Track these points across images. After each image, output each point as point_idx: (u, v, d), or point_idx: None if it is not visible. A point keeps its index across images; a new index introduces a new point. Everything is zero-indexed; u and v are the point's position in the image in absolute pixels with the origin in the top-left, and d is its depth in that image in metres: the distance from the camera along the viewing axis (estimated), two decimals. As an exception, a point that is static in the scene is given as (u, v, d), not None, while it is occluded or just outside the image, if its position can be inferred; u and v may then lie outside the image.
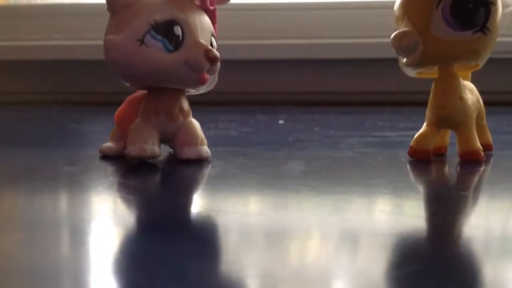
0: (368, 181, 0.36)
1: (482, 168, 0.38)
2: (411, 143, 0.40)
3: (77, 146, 0.51)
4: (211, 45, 0.40)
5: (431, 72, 0.40)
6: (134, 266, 0.21)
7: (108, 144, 0.43)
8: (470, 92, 0.40)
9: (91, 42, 0.81)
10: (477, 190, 0.35)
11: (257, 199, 0.33)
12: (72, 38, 0.86)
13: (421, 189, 0.35)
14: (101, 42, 0.40)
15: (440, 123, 0.40)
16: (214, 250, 0.24)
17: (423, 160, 0.40)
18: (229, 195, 0.33)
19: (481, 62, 0.39)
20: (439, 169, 0.39)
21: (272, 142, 0.50)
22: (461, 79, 0.39)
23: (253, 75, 0.86)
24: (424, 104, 0.40)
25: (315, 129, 0.59)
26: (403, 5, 0.38)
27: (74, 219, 0.28)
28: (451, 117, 0.39)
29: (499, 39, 0.38)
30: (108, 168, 0.40)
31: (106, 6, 0.39)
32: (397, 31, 0.38)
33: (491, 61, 0.39)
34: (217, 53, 0.39)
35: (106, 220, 0.28)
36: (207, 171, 0.39)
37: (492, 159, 0.41)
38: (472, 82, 0.42)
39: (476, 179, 0.37)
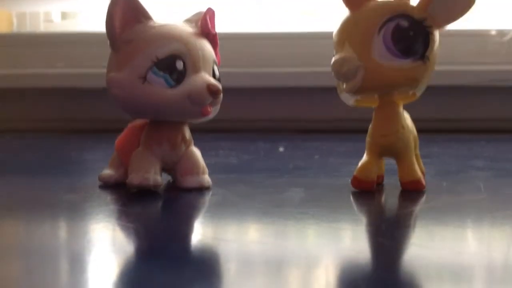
0: (368, 208, 0.36)
1: (424, 197, 0.38)
2: (355, 173, 0.39)
3: (78, 174, 0.51)
4: (213, 73, 0.40)
5: (369, 101, 0.40)
6: (134, 295, 0.21)
7: (108, 172, 0.43)
8: (408, 121, 0.40)
9: (92, 70, 0.82)
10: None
11: (257, 227, 0.33)
12: (74, 66, 0.87)
13: (425, 216, 0.35)
14: (102, 70, 0.40)
15: (383, 152, 0.39)
16: (215, 278, 0.24)
17: (367, 190, 0.39)
18: (230, 223, 0.33)
19: (419, 91, 0.39)
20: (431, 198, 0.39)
21: (272, 170, 0.50)
22: (401, 108, 0.39)
23: (253, 102, 0.86)
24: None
25: (315, 156, 0.59)
26: (344, 31, 0.38)
27: (74, 247, 0.28)
28: (394, 146, 0.38)
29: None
30: (109, 196, 0.40)
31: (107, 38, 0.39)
32: (337, 56, 0.37)
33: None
34: (219, 86, 0.39)
35: (106, 248, 0.29)
36: (208, 198, 0.39)
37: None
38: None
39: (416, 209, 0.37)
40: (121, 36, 0.38)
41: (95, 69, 0.74)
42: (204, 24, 0.40)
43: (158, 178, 0.39)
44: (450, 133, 0.79)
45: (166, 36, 0.38)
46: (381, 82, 0.37)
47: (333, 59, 0.37)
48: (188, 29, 0.40)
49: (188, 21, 0.41)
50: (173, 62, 0.38)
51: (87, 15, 0.99)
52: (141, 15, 0.39)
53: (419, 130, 0.41)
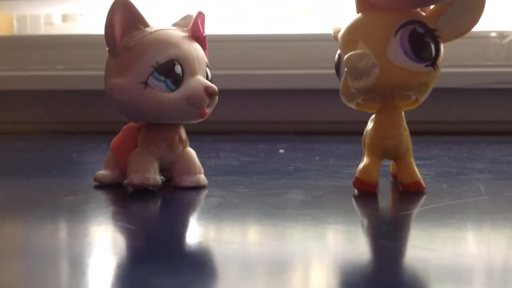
0: (368, 210, 0.36)
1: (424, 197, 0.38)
2: (358, 175, 0.39)
3: (78, 176, 0.51)
4: (207, 75, 0.41)
5: (370, 106, 0.40)
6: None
7: (104, 172, 0.43)
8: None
9: (92, 72, 0.82)
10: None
11: (257, 229, 0.33)
12: (74, 69, 0.87)
13: (426, 218, 0.35)
14: (102, 72, 0.40)
15: (385, 154, 0.39)
16: (215, 280, 0.24)
17: (369, 192, 0.39)
18: (230, 224, 0.33)
19: (423, 97, 0.39)
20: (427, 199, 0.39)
21: (272, 172, 0.50)
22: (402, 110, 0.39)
23: (253, 104, 0.87)
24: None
25: (316, 158, 0.59)
26: (358, 29, 0.38)
27: (75, 250, 0.28)
28: (397, 148, 0.39)
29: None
30: (108, 197, 0.40)
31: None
32: (353, 52, 0.36)
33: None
34: (216, 88, 0.40)
35: (106, 250, 0.29)
36: (208, 200, 0.39)
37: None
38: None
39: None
40: (120, 42, 0.39)
41: (95, 72, 0.74)
42: (195, 28, 0.41)
43: (157, 177, 0.40)
44: (450, 135, 0.79)
45: (164, 41, 0.39)
46: (393, 83, 0.37)
47: (347, 55, 0.36)
48: (181, 33, 0.40)
49: (177, 24, 0.42)
50: (172, 67, 0.39)
51: (87, 17, 0.99)
52: (139, 21, 0.39)
53: (419, 133, 0.41)
